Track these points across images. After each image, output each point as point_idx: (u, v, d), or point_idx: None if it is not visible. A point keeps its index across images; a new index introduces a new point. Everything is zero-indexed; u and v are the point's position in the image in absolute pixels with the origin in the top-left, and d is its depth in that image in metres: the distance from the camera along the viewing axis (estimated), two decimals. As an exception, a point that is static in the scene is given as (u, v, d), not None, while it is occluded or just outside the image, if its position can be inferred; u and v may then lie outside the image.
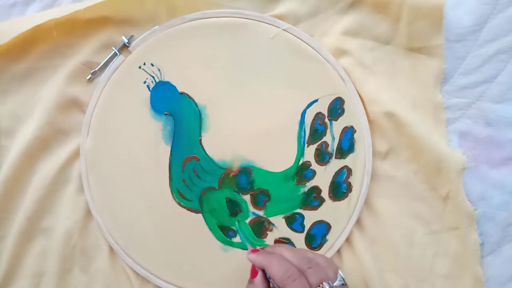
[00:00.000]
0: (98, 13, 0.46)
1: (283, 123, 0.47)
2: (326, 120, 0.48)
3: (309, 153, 0.47)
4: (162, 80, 0.47)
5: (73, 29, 0.47)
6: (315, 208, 0.48)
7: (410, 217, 0.48)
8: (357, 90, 0.48)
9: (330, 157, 0.48)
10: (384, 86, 0.47)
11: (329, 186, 0.48)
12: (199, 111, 0.47)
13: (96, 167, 0.47)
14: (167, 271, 0.47)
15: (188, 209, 0.47)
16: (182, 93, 0.47)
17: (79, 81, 0.47)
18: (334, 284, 0.35)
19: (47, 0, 0.48)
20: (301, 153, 0.47)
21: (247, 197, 0.47)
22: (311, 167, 0.48)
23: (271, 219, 0.47)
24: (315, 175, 0.47)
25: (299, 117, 0.47)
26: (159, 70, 0.47)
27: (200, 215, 0.47)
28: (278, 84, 0.47)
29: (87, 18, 0.46)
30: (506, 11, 0.47)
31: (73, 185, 0.47)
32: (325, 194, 0.48)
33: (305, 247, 0.48)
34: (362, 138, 0.48)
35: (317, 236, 0.48)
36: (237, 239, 0.47)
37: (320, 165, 0.48)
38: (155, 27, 0.47)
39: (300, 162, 0.47)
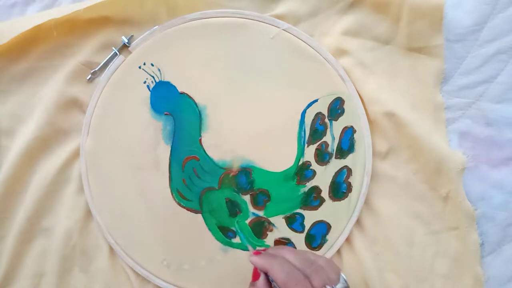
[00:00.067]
0: (98, 13, 0.46)
1: (283, 123, 0.47)
2: (326, 120, 0.48)
3: (309, 153, 0.47)
4: (162, 80, 0.47)
5: (73, 29, 0.47)
6: (315, 208, 0.48)
7: (410, 217, 0.48)
8: (357, 90, 0.48)
9: (330, 157, 0.48)
10: (384, 86, 0.47)
11: (329, 186, 0.48)
12: (199, 111, 0.47)
13: (96, 167, 0.47)
14: (167, 271, 0.47)
15: (188, 209, 0.47)
16: (182, 93, 0.47)
17: (79, 81, 0.47)
18: (337, 286, 0.35)
19: (47, 0, 0.49)
20: (301, 153, 0.47)
21: (247, 197, 0.47)
22: (311, 167, 0.48)
23: (271, 219, 0.47)
24: (315, 175, 0.47)
25: (299, 117, 0.47)
26: (159, 70, 0.47)
27: (199, 215, 0.47)
28: (278, 84, 0.47)
29: (87, 18, 0.46)
30: (506, 11, 0.47)
31: (73, 185, 0.47)
32: (325, 194, 0.48)
33: (305, 247, 0.48)
34: (362, 138, 0.48)
35: (317, 236, 0.48)
36: (236, 240, 0.47)
37: (320, 165, 0.48)
38: (155, 27, 0.47)
39: (300, 162, 0.47)
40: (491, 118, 0.47)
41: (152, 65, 0.47)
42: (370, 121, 0.48)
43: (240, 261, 0.47)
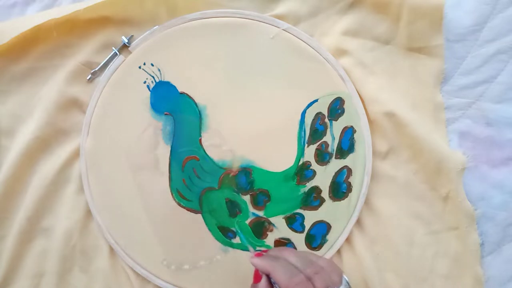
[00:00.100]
0: (98, 13, 0.46)
1: (283, 123, 0.47)
2: (326, 120, 0.48)
3: (309, 153, 0.47)
4: (162, 80, 0.47)
5: (73, 29, 0.47)
6: (315, 208, 0.48)
7: (410, 217, 0.47)
8: (357, 90, 0.48)
9: (330, 157, 0.48)
10: (384, 86, 0.47)
11: (329, 186, 0.48)
12: (199, 111, 0.47)
13: (96, 167, 0.47)
14: (167, 271, 0.47)
15: (188, 209, 0.47)
16: (182, 93, 0.47)
17: (79, 81, 0.47)
18: None
19: (47, 0, 0.49)
20: (301, 153, 0.47)
21: (247, 198, 0.47)
22: (311, 167, 0.47)
23: (271, 219, 0.47)
24: (315, 175, 0.47)
25: (299, 117, 0.47)
26: (159, 70, 0.47)
27: (199, 215, 0.47)
28: (278, 84, 0.47)
29: (87, 18, 0.46)
30: (506, 11, 0.47)
31: (73, 185, 0.47)
32: (325, 194, 0.48)
33: (305, 247, 0.48)
34: (362, 138, 0.48)
35: (317, 236, 0.48)
36: (236, 240, 0.47)
37: (320, 165, 0.48)
38: (155, 27, 0.47)
39: (300, 162, 0.47)
40: (491, 118, 0.47)
41: (152, 65, 0.47)
42: (370, 121, 0.48)
43: (240, 261, 0.47)
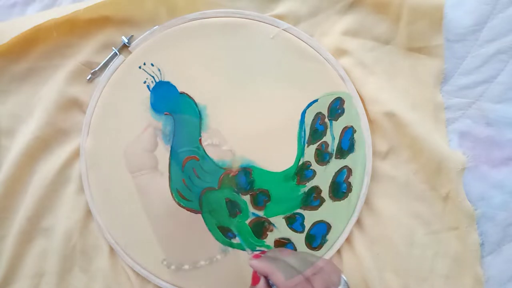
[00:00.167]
0: (98, 13, 0.46)
1: (283, 123, 0.47)
2: (326, 120, 0.48)
3: (309, 153, 0.47)
4: (162, 80, 0.47)
5: (73, 29, 0.47)
6: (315, 208, 0.48)
7: (410, 217, 0.47)
8: (357, 90, 0.48)
9: (330, 157, 0.48)
10: (384, 86, 0.47)
11: (329, 186, 0.48)
12: (199, 111, 0.47)
13: (96, 167, 0.47)
14: (167, 271, 0.47)
15: (188, 209, 0.47)
16: (182, 93, 0.47)
17: (79, 81, 0.47)
18: None
19: (47, 0, 0.49)
20: (301, 153, 0.47)
21: (247, 198, 0.47)
22: (311, 167, 0.48)
23: (271, 219, 0.47)
24: (315, 175, 0.47)
25: (299, 117, 0.47)
26: (159, 70, 0.47)
27: (199, 215, 0.47)
28: (278, 84, 0.47)
29: (87, 18, 0.46)
30: (506, 11, 0.47)
31: (73, 185, 0.47)
32: (325, 194, 0.48)
33: (305, 247, 0.48)
34: (362, 138, 0.48)
35: (317, 236, 0.48)
36: (236, 240, 0.47)
37: (320, 165, 0.48)
38: (155, 27, 0.47)
39: (300, 162, 0.47)
40: (491, 118, 0.47)
41: (152, 65, 0.47)
42: (370, 121, 0.48)
43: (240, 261, 0.47)
